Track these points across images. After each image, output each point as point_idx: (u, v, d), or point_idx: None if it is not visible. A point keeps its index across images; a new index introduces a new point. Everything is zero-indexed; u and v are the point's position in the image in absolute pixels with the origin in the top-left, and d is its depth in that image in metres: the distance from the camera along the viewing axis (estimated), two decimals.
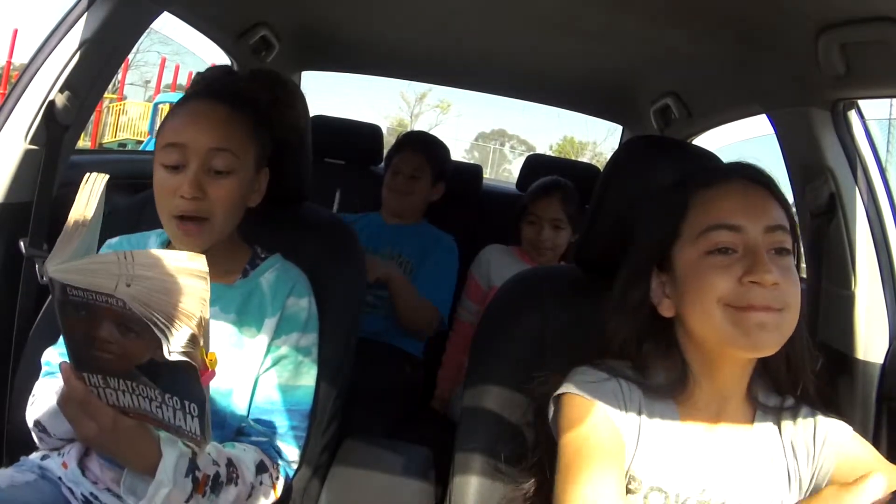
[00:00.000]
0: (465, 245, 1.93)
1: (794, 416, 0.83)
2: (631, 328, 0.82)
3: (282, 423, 1.00)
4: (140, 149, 8.64)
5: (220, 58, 1.99)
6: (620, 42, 1.55)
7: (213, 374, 0.69)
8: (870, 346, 1.21)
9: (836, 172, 1.23)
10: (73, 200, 0.75)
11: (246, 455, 0.95)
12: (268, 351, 1.00)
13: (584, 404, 0.77)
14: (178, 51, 13.48)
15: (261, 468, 0.95)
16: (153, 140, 10.14)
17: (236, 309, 1.00)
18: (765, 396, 0.83)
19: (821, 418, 0.82)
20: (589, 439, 0.74)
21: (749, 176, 0.78)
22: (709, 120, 1.87)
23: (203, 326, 0.66)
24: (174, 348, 0.65)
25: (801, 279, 1.45)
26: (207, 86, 1.05)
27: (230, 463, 0.90)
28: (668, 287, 0.79)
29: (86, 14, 1.20)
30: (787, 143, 1.33)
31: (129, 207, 1.26)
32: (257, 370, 0.99)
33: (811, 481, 0.81)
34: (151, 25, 1.38)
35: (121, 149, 9.23)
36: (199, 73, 1.13)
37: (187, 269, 0.66)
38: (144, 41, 13.24)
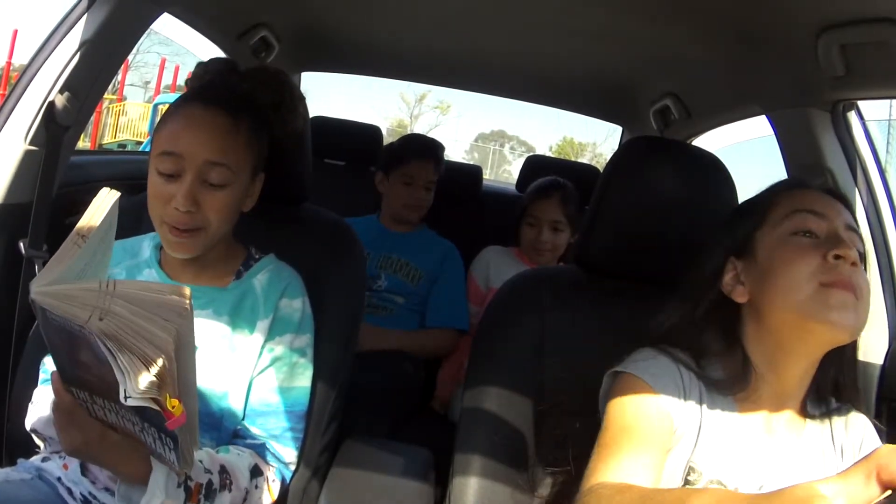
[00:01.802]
0: (465, 246, 1.93)
1: (845, 421, 0.84)
2: (696, 317, 0.83)
3: (278, 424, 1.00)
4: (140, 149, 8.64)
5: None
6: (620, 43, 1.55)
7: (180, 420, 0.66)
8: (869, 347, 1.21)
9: (835, 173, 1.23)
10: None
11: (240, 460, 0.94)
12: (261, 352, 0.99)
13: (642, 387, 0.77)
14: (177, 52, 13.50)
15: (255, 472, 0.95)
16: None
17: (229, 311, 0.99)
18: (813, 406, 0.84)
19: (868, 427, 0.84)
20: (637, 420, 0.75)
21: (824, 189, 0.84)
22: (709, 121, 1.87)
23: (170, 373, 0.63)
24: (131, 393, 0.63)
25: None
26: (208, 88, 1.02)
27: (223, 469, 0.90)
28: (743, 274, 0.82)
29: (86, 14, 1.20)
30: (787, 144, 1.33)
31: (129, 207, 1.26)
32: (251, 372, 0.99)
33: None
34: (151, 26, 1.38)
35: (120, 150, 9.23)
36: (201, 65, 1.10)
37: (168, 303, 0.63)
38: (144, 42, 13.26)
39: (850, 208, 0.83)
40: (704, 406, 0.78)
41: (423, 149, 1.93)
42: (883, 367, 1.20)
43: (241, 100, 1.00)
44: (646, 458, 0.73)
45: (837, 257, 0.74)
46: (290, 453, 1.01)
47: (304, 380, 1.03)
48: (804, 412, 0.83)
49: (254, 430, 0.99)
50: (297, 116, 1.07)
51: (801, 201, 0.81)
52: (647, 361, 0.80)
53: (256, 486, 0.94)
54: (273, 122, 1.04)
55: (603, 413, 0.80)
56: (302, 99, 1.11)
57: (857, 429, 0.84)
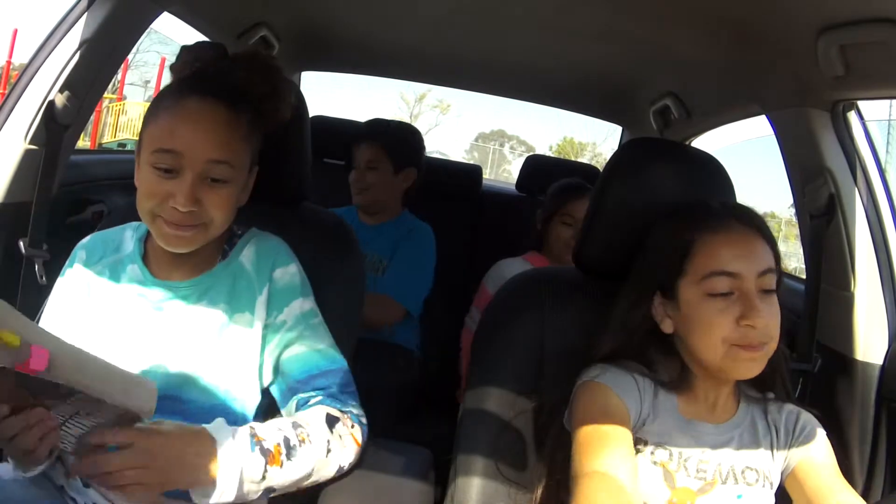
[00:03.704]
0: (465, 245, 1.93)
1: (778, 405, 0.95)
2: (633, 341, 0.93)
3: (328, 382, 0.95)
4: None
5: None
6: (620, 43, 1.55)
7: (39, 361, 0.66)
8: (869, 347, 1.21)
9: (835, 173, 1.23)
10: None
11: (310, 413, 0.90)
12: (268, 328, 0.96)
13: (599, 389, 0.89)
14: (177, 51, 13.49)
15: (331, 420, 0.90)
16: None
17: (225, 299, 0.96)
18: (747, 388, 0.96)
19: (803, 414, 0.94)
20: (604, 418, 0.86)
21: (746, 221, 0.89)
22: (708, 121, 1.87)
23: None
24: None
25: (801, 280, 1.45)
26: (204, 78, 0.95)
27: (296, 424, 0.86)
28: (669, 309, 0.91)
29: (86, 14, 1.21)
30: (787, 144, 1.33)
31: (129, 207, 1.26)
32: (259, 352, 0.95)
33: (783, 465, 0.92)
34: (151, 26, 1.38)
35: (120, 149, 9.23)
36: (188, 49, 1.01)
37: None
38: (144, 41, 13.22)
39: (767, 236, 0.89)
40: (657, 399, 0.90)
41: (362, 132, 1.94)
42: (883, 366, 1.20)
43: (239, 91, 0.95)
44: (622, 449, 0.84)
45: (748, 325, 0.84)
46: (355, 406, 0.96)
47: (328, 339, 0.99)
48: (741, 395, 0.95)
49: (307, 396, 0.94)
50: (287, 106, 1.01)
51: (717, 258, 0.87)
52: (605, 372, 0.91)
53: (340, 436, 0.90)
54: (266, 112, 0.98)
55: (569, 420, 0.91)
56: (293, 87, 1.06)
57: (791, 413, 0.94)
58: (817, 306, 1.26)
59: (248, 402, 0.96)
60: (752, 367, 0.86)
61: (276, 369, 0.96)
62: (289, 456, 0.83)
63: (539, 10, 1.42)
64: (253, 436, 0.82)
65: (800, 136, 1.27)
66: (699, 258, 0.88)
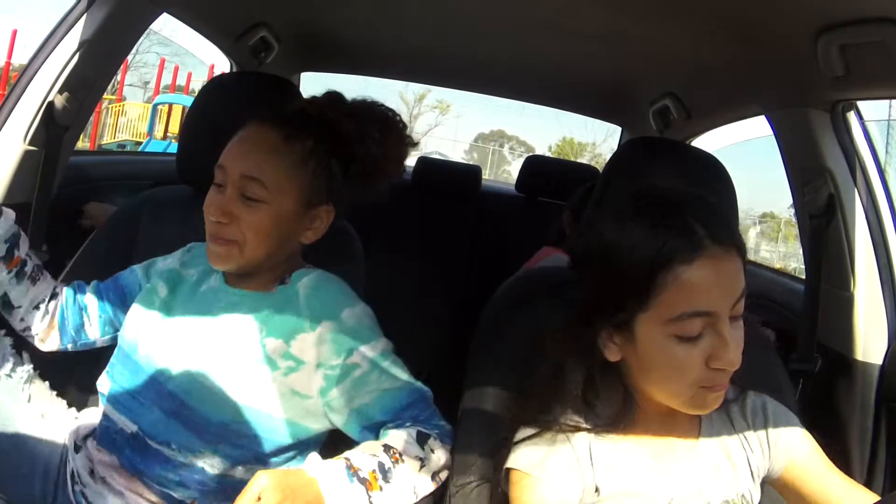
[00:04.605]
0: (465, 245, 1.92)
1: (743, 409, 0.84)
2: (579, 374, 0.81)
3: (416, 413, 0.94)
4: (139, 150, 8.63)
5: (220, 59, 1.99)
6: (620, 43, 1.55)
7: None
8: (869, 347, 1.21)
9: (835, 174, 1.23)
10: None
11: (400, 433, 0.90)
12: (332, 369, 0.93)
13: (531, 487, 0.77)
14: (177, 52, 13.48)
15: (421, 438, 0.90)
16: (152, 141, 10.05)
17: (263, 318, 0.95)
18: None
19: (771, 413, 0.84)
20: None
21: (724, 241, 0.73)
22: (708, 121, 1.87)
23: None
24: None
25: (800, 279, 1.45)
26: (273, 109, 1.01)
27: (387, 447, 0.86)
28: (617, 338, 0.77)
29: (85, 15, 1.20)
30: (787, 145, 1.33)
31: (129, 207, 1.26)
32: (295, 389, 0.93)
33: (766, 474, 0.83)
34: (151, 26, 1.38)
35: (120, 150, 9.22)
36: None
37: None
38: (144, 42, 13.25)
39: (741, 251, 0.75)
40: (594, 458, 0.79)
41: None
42: (882, 367, 1.20)
43: (305, 120, 0.98)
44: None
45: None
46: (441, 423, 0.95)
47: (405, 370, 0.96)
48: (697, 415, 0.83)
49: (396, 425, 0.93)
50: (387, 156, 1.02)
51: (689, 297, 0.71)
52: (535, 453, 0.79)
53: (432, 450, 0.90)
54: (358, 155, 1.00)
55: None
56: (401, 139, 1.05)
57: (757, 413, 0.84)
58: (817, 306, 1.26)
59: (278, 435, 0.94)
60: (717, 402, 0.76)
61: (355, 411, 0.94)
62: (385, 478, 0.83)
63: (539, 10, 1.42)
64: (349, 467, 0.82)
65: (799, 137, 1.27)
66: (668, 296, 0.72)
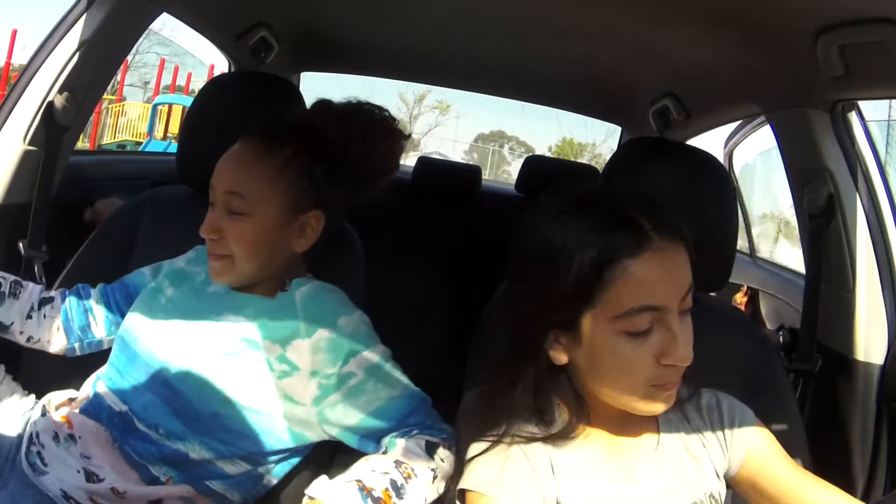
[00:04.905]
0: (464, 245, 1.92)
1: (699, 407, 0.83)
2: (526, 380, 0.78)
3: (420, 419, 0.93)
4: (139, 150, 8.63)
5: (220, 59, 1.99)
6: (619, 43, 1.55)
7: None
8: (869, 348, 1.21)
9: (835, 174, 1.23)
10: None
11: (409, 444, 0.88)
12: (328, 378, 0.93)
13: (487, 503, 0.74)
14: (177, 52, 13.50)
15: (430, 448, 0.88)
16: (152, 141, 10.04)
17: (265, 316, 0.96)
18: None
19: (726, 409, 0.82)
20: None
21: (670, 233, 0.72)
22: (708, 121, 1.87)
23: None
24: None
25: (801, 276, 1.45)
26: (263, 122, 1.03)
27: (398, 463, 0.85)
28: (563, 338, 0.75)
29: (85, 14, 1.20)
30: (786, 145, 1.33)
31: (129, 208, 1.26)
32: (308, 389, 0.93)
33: (726, 471, 0.82)
34: (151, 26, 1.38)
35: (120, 150, 9.22)
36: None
37: None
38: (143, 42, 13.25)
39: (688, 244, 0.73)
40: (555, 468, 0.76)
41: None
42: (883, 367, 1.20)
43: (287, 129, 0.99)
44: None
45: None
46: (444, 428, 0.94)
47: (403, 377, 0.96)
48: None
49: (401, 433, 0.92)
50: (371, 153, 1.03)
51: (638, 292, 0.70)
52: (489, 470, 0.75)
53: (442, 459, 0.88)
54: (350, 158, 1.01)
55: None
56: (385, 135, 1.06)
57: (713, 410, 0.82)
58: (818, 307, 1.26)
59: (273, 437, 0.94)
60: (670, 401, 0.74)
61: (352, 423, 0.93)
62: (399, 496, 0.82)
63: (539, 10, 1.42)
64: (362, 489, 0.81)
65: (799, 137, 1.27)
66: (615, 291, 0.70)
